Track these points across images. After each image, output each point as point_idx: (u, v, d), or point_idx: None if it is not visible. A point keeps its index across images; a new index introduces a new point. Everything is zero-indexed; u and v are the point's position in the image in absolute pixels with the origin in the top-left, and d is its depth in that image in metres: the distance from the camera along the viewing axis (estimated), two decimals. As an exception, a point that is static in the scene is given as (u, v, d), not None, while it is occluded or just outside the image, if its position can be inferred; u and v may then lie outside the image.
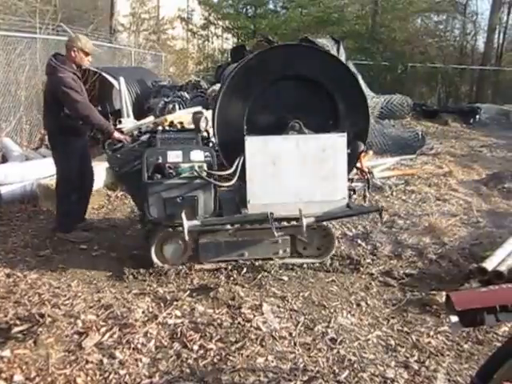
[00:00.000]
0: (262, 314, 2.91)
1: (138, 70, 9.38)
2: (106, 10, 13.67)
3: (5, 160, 5.55)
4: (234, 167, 3.40)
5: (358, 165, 4.08)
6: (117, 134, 3.88)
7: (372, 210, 4.01)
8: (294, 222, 3.49)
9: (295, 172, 3.51)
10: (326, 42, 7.82)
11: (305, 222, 3.36)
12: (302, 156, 3.50)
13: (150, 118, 6.20)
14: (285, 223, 3.54)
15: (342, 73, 3.72)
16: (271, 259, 3.63)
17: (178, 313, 2.89)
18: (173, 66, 14.85)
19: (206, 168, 3.34)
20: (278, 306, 3.05)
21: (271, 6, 18.55)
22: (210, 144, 3.72)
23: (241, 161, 3.42)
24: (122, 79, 6.49)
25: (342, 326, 2.87)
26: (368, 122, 3.82)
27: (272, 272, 3.53)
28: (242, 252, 3.58)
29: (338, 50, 8.00)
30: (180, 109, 7.04)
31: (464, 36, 19.65)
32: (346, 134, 3.52)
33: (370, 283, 3.47)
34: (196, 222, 3.32)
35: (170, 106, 6.80)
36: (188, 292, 3.15)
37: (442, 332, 2.84)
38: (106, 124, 3.94)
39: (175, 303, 2.98)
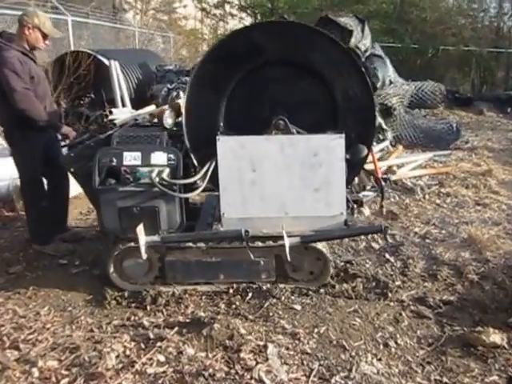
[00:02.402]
0: (267, 359, 2.43)
1: (140, 53, 8.89)
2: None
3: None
4: (202, 173, 2.96)
5: (371, 169, 3.57)
6: (65, 129, 3.46)
7: (374, 231, 3.46)
8: (279, 241, 3.01)
9: (280, 180, 3.00)
10: (349, 22, 7.24)
11: (287, 242, 2.88)
12: (289, 161, 2.99)
13: (151, 107, 5.73)
14: (268, 242, 3.07)
15: (341, 58, 3.11)
16: (275, 282, 3.18)
17: (162, 358, 2.43)
18: (183, 48, 14.32)
19: (167, 173, 2.92)
20: (287, 348, 2.56)
21: (291, -18, 17.72)
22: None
23: (212, 165, 2.97)
24: (114, 63, 5.95)
25: (366, 376, 2.38)
26: (374, 120, 3.24)
27: (282, 299, 3.06)
28: (216, 274, 3.13)
29: (362, 31, 7.41)
30: (185, 96, 6.54)
31: (501, 16, 18.68)
32: (343, 135, 2.96)
33: (400, 314, 2.96)
34: (155, 238, 2.92)
35: (174, 93, 6.31)
36: (176, 328, 2.68)
37: (490, 383, 2.35)
38: (49, 120, 3.48)
39: (159, 344, 2.52)
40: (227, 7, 18.70)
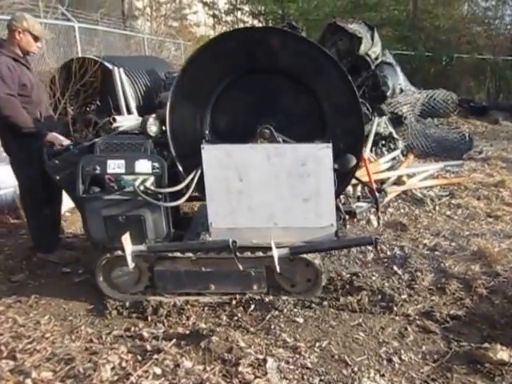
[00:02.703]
0: (266, 373, 2.40)
1: (149, 60, 8.94)
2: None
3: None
4: (186, 182, 2.96)
5: (365, 179, 3.55)
6: (50, 136, 3.42)
7: (364, 243, 3.36)
8: (268, 252, 2.99)
9: (268, 190, 2.98)
10: (358, 28, 7.22)
11: (276, 253, 2.86)
12: (276, 170, 2.96)
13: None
14: (258, 253, 3.06)
15: (327, 66, 3.09)
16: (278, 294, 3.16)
17: (158, 370, 2.41)
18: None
19: (152, 182, 2.92)
20: (287, 362, 2.53)
21: (302, -11, 17.69)
22: None
23: (197, 174, 2.97)
24: (117, 70, 5.98)
25: (369, 393, 2.35)
26: (362, 130, 3.21)
27: (285, 311, 3.03)
28: (206, 284, 3.11)
29: (372, 38, 7.38)
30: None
31: (516, 24, 18.50)
32: (331, 145, 2.93)
33: (406, 328, 2.91)
34: (141, 247, 2.91)
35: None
36: (175, 340, 2.66)
37: (497, 404, 2.28)
38: (34, 128, 3.45)
39: (156, 356, 2.50)
40: (238, 14, 18.76)
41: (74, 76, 5.93)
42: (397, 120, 7.27)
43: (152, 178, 2.95)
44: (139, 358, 2.53)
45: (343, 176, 3.17)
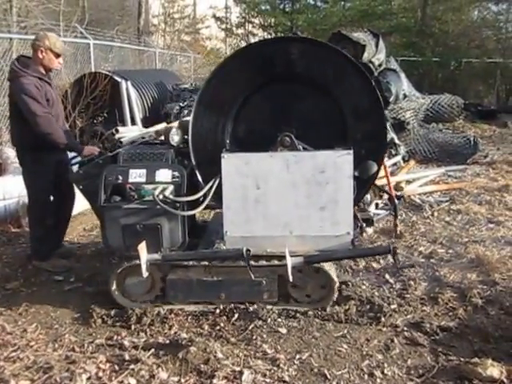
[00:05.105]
0: (240, 386, 2.30)
1: (159, 73, 8.97)
2: (134, 10, 13.51)
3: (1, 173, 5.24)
4: (205, 190, 2.90)
5: (385, 187, 3.39)
6: (87, 151, 3.42)
7: (381, 252, 3.24)
8: (280, 261, 2.87)
9: (285, 198, 2.89)
10: (362, 37, 7.09)
11: (290, 262, 2.73)
12: (294, 178, 2.87)
13: (161, 126, 5.73)
14: (265, 262, 2.94)
15: (349, 71, 3.02)
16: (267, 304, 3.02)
17: (133, 381, 2.31)
18: (203, 67, 14.47)
19: (171, 191, 2.87)
20: (264, 375, 2.40)
21: (311, 1, 17.53)
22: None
23: (216, 183, 2.90)
24: (124, 83, 6.04)
25: (345, 410, 2.21)
26: (385, 136, 3.10)
27: (268, 321, 2.90)
28: (217, 293, 2.99)
29: (376, 45, 7.24)
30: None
31: (527, 27, 18.02)
32: (351, 152, 2.83)
33: (392, 340, 2.74)
34: (155, 256, 2.83)
35: (186, 111, 6.31)
36: (153, 350, 2.56)
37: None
38: (72, 143, 3.49)
39: (132, 366, 2.40)
40: (250, 27, 18.73)
41: (85, 90, 6.00)
42: (399, 126, 7.10)
43: (171, 187, 2.91)
44: (116, 367, 2.44)
45: (363, 183, 3.06)
